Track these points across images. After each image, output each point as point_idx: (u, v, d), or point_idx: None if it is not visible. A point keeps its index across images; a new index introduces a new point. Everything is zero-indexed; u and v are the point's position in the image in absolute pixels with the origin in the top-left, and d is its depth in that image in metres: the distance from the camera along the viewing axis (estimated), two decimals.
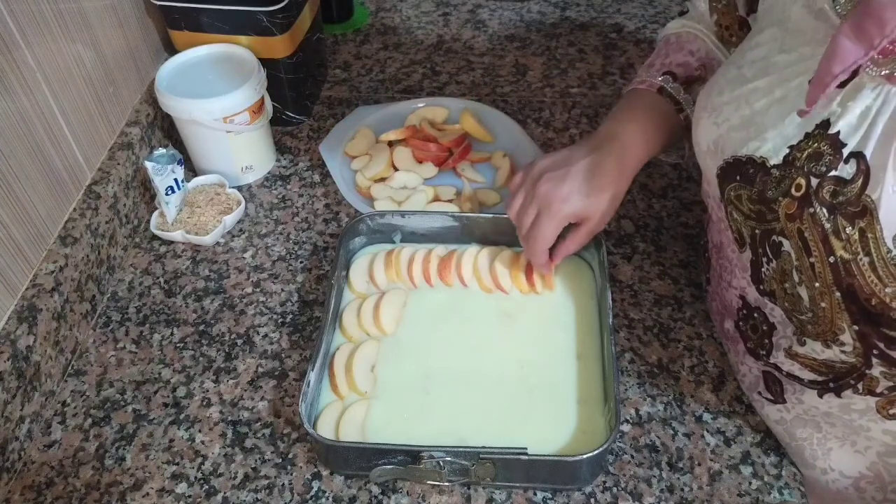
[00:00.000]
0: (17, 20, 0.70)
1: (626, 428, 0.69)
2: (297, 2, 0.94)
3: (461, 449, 0.62)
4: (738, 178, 0.57)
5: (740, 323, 0.66)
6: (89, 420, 0.71)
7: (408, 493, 0.65)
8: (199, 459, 0.68)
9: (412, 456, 0.62)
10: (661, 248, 0.86)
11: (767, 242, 0.56)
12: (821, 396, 0.59)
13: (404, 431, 0.67)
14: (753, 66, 0.57)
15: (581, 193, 0.69)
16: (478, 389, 0.71)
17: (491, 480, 0.63)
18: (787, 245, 0.54)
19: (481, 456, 0.61)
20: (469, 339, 0.75)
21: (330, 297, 0.74)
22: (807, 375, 0.59)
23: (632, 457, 0.67)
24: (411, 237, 0.83)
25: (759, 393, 0.67)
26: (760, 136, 0.55)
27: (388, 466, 0.63)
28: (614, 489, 0.65)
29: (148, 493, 0.66)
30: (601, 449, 0.60)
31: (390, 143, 0.96)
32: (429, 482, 0.64)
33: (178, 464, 0.68)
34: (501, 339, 0.75)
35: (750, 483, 0.65)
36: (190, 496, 0.65)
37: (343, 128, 0.98)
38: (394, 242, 0.84)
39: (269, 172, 0.97)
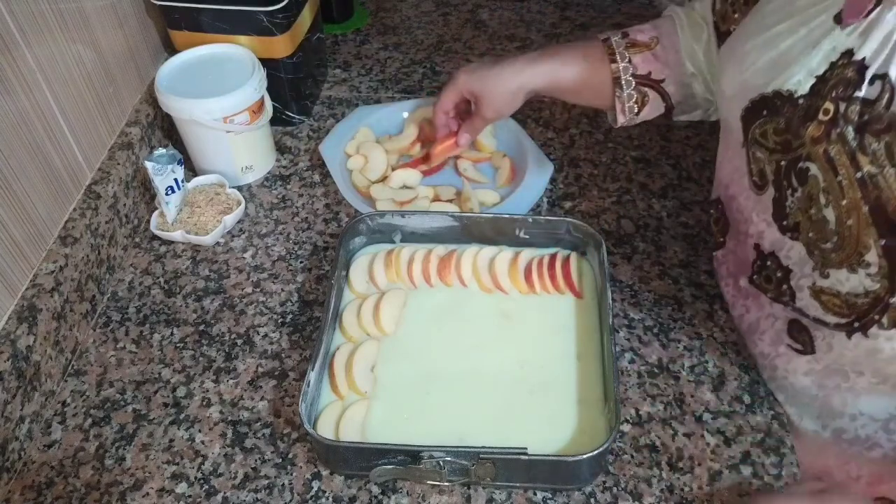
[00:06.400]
0: (17, 20, 0.70)
1: (626, 428, 0.69)
2: (297, 2, 0.94)
3: (461, 449, 0.62)
4: (764, 112, 0.60)
5: (754, 276, 0.68)
6: (89, 420, 0.71)
7: (408, 493, 0.65)
8: (199, 459, 0.68)
9: (412, 456, 0.62)
10: (661, 248, 0.86)
11: (794, 171, 0.58)
12: (849, 338, 0.60)
13: (404, 431, 0.67)
14: (775, 15, 0.60)
15: (479, 72, 0.82)
16: (478, 389, 0.71)
17: (491, 480, 0.64)
18: (813, 169, 0.56)
19: (481, 456, 0.61)
20: (469, 339, 0.75)
21: (330, 297, 0.74)
22: (831, 319, 0.60)
23: (632, 457, 0.67)
24: (411, 237, 0.83)
25: (788, 345, 0.67)
26: (787, 71, 0.58)
27: (388, 466, 0.63)
28: (614, 489, 0.65)
29: (148, 493, 0.66)
30: (601, 449, 0.60)
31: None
32: (429, 482, 0.64)
33: (178, 464, 0.68)
34: (501, 339, 0.75)
35: (750, 483, 0.65)
36: (190, 496, 0.65)
37: (343, 128, 0.98)
38: (394, 242, 0.84)
39: (269, 172, 0.97)
